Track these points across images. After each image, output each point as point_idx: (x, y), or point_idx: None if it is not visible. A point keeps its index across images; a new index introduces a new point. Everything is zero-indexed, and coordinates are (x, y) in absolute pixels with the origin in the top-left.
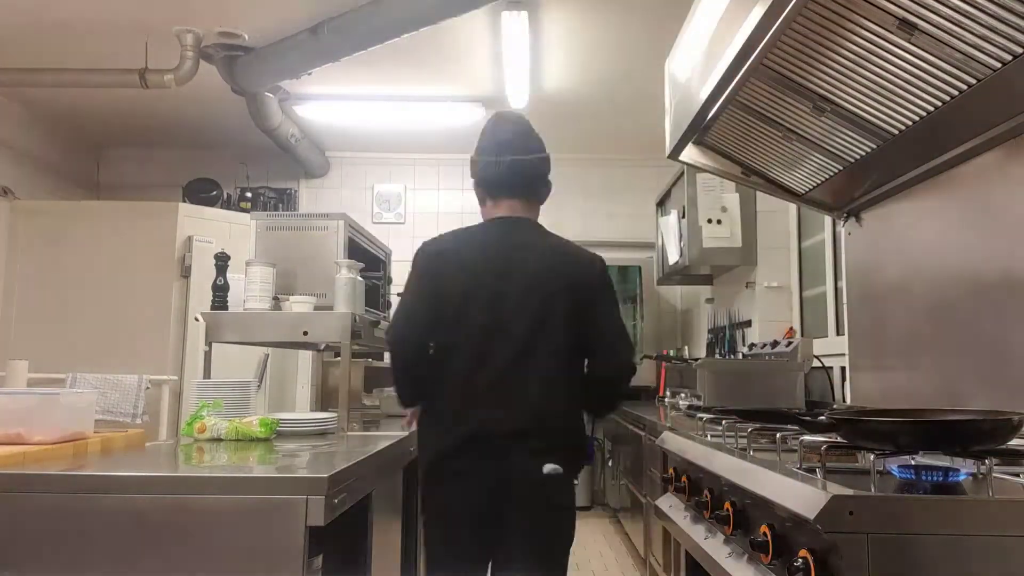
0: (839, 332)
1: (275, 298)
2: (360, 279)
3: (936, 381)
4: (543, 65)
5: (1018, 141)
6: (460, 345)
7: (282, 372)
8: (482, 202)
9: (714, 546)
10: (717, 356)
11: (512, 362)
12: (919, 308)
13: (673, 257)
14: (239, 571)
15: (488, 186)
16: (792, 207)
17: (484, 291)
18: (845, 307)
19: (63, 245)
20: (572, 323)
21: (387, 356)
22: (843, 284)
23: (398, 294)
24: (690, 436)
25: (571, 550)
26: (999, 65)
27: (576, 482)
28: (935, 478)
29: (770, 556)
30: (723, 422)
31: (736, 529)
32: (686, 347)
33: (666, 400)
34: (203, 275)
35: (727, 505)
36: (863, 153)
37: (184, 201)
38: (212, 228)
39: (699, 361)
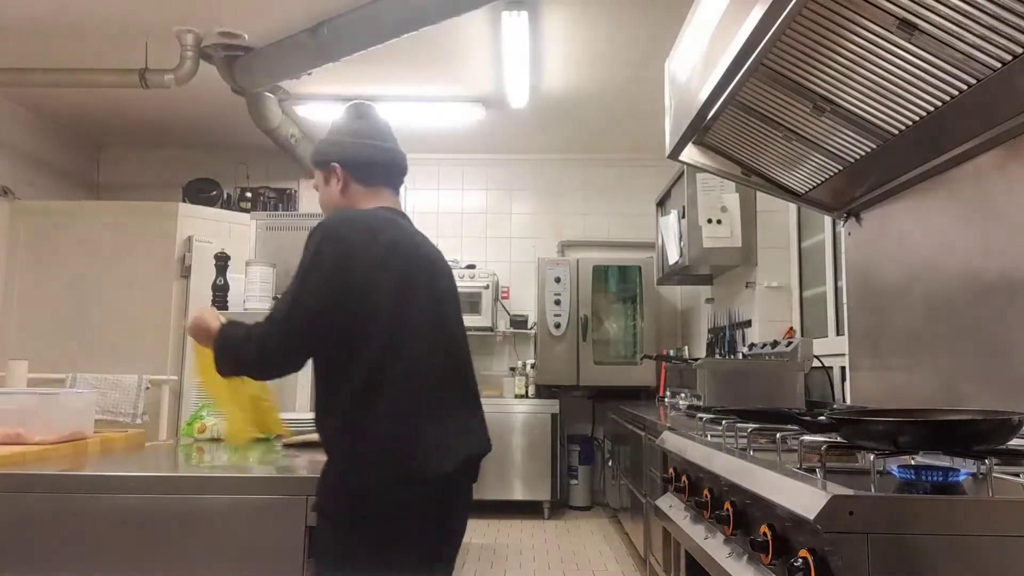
0: (839, 332)
1: (275, 298)
2: None
3: (936, 381)
4: (543, 65)
5: (1018, 141)
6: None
7: None
8: (362, 190)
9: (714, 546)
10: (717, 356)
11: None
12: (919, 308)
13: (673, 257)
14: (239, 571)
15: (377, 173)
16: (792, 207)
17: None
18: (845, 307)
19: (63, 245)
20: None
21: None
22: (843, 284)
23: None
24: (690, 436)
25: (572, 550)
26: (999, 65)
27: None
28: (935, 478)
29: (770, 556)
30: (723, 422)
31: (736, 529)
32: (686, 347)
33: (666, 400)
34: (203, 275)
35: (727, 505)
36: (863, 153)
37: (184, 201)
38: (212, 228)
39: (699, 361)
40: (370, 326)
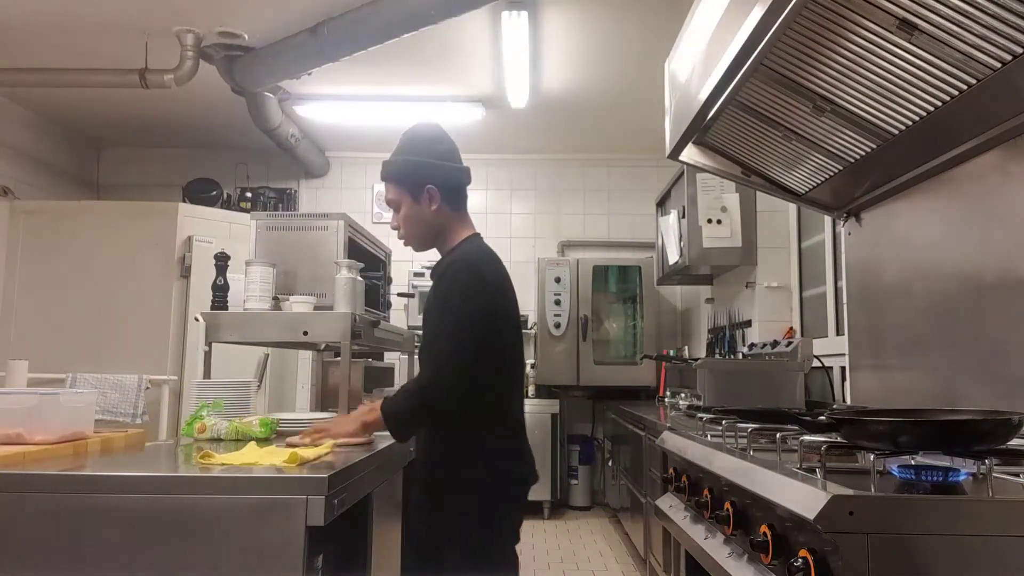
0: (839, 332)
1: (275, 298)
2: (360, 279)
3: (936, 381)
4: (543, 65)
5: (1018, 141)
6: (517, 378)
7: (282, 372)
8: (451, 212)
9: (714, 546)
10: (717, 356)
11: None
12: (919, 308)
13: (673, 257)
14: (239, 571)
15: (463, 197)
16: (792, 207)
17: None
18: (845, 307)
19: (63, 245)
20: None
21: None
22: (843, 284)
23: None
24: (690, 436)
25: (572, 550)
26: (999, 65)
27: None
28: (935, 478)
29: (770, 556)
30: (723, 422)
31: (736, 529)
32: (686, 347)
33: (666, 400)
34: (203, 275)
35: (727, 505)
36: (863, 153)
37: (184, 201)
38: (212, 228)
39: (699, 361)
40: (507, 349)
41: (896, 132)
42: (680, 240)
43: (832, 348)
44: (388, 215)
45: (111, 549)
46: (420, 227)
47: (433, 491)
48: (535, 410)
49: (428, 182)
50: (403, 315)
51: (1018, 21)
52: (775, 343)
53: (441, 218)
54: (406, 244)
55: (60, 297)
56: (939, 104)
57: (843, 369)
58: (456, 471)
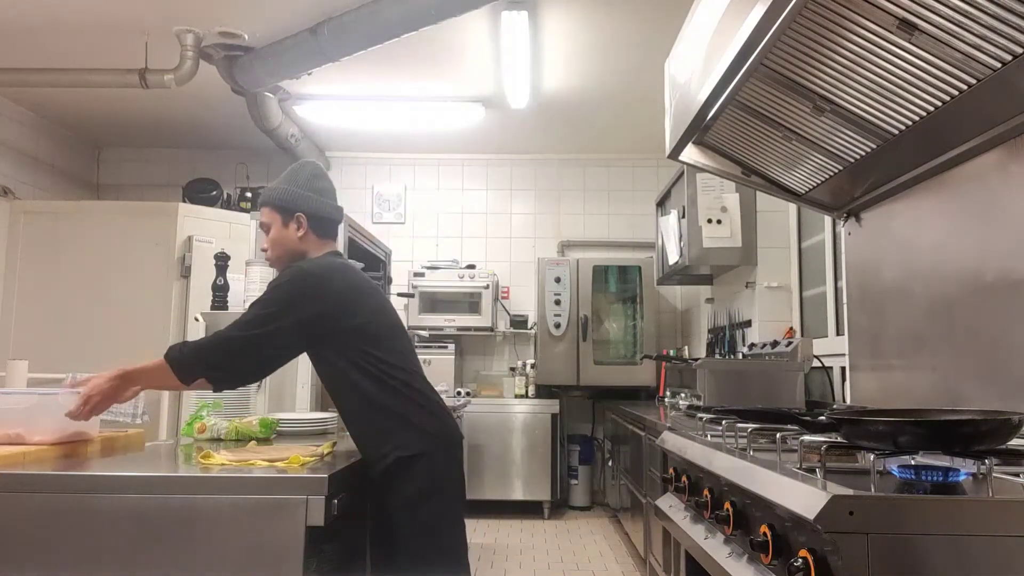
0: (839, 332)
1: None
2: None
3: (936, 381)
4: (543, 65)
5: (1018, 141)
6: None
7: (282, 372)
8: (315, 240)
9: (714, 546)
10: (717, 356)
11: None
12: (919, 308)
13: (673, 257)
14: (239, 571)
15: (331, 230)
16: (792, 207)
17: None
18: (845, 307)
19: (63, 245)
20: None
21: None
22: (843, 284)
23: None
24: (690, 436)
25: (572, 550)
26: (999, 65)
27: None
28: (935, 478)
29: (770, 556)
30: (723, 422)
31: (736, 529)
32: (686, 347)
33: (666, 400)
34: (203, 275)
35: (727, 505)
36: (863, 153)
37: (184, 201)
38: (212, 228)
39: (699, 361)
40: (368, 325)
41: (896, 132)
42: (680, 240)
43: (832, 348)
44: (388, 215)
45: (111, 549)
46: (284, 249)
47: (378, 470)
48: (535, 410)
49: (298, 210)
50: (403, 315)
51: (1018, 21)
52: (775, 343)
53: (304, 245)
54: (271, 265)
55: (60, 297)
56: (939, 104)
57: (843, 369)
58: (395, 443)
